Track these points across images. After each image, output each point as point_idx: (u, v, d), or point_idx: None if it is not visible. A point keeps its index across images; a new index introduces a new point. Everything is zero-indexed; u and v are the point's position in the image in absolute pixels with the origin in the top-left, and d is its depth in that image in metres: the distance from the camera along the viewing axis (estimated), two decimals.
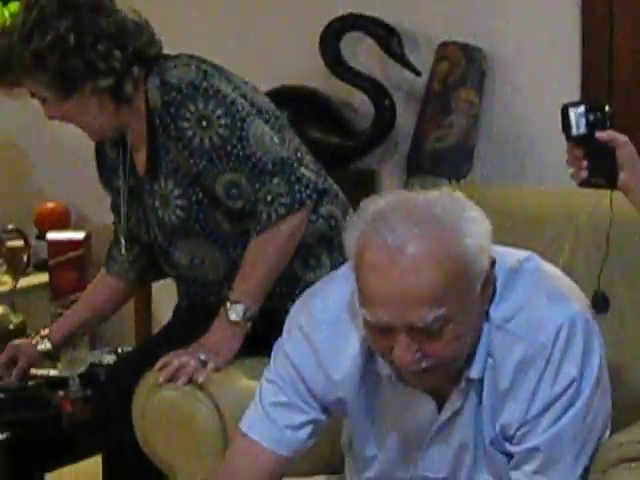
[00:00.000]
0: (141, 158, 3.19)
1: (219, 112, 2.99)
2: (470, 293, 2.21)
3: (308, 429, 2.50)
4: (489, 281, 2.27)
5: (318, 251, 3.08)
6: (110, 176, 3.38)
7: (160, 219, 3.17)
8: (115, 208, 3.43)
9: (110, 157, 3.36)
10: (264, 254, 3.01)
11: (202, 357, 2.96)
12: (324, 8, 4.48)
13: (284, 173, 2.98)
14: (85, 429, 3.44)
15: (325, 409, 2.51)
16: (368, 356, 2.41)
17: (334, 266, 2.34)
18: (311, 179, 3.01)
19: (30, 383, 3.47)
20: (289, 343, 2.50)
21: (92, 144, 4.99)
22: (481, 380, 2.35)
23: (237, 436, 2.55)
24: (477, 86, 4.26)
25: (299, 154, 3.14)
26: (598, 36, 4.21)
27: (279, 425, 2.48)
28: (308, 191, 2.98)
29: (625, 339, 2.76)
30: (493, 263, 2.26)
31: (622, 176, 2.32)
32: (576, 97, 4.02)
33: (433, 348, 2.20)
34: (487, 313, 2.32)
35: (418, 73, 4.36)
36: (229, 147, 3.00)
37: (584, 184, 2.36)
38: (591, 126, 2.31)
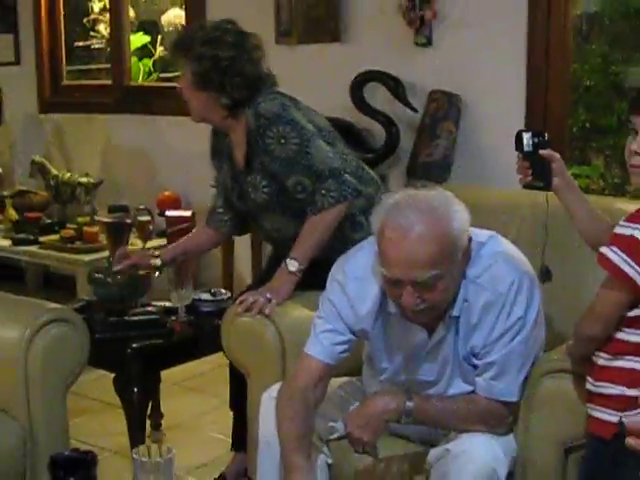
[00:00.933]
0: (239, 155, 3.16)
1: (293, 134, 2.98)
2: (455, 259, 2.24)
3: (345, 346, 2.52)
4: (467, 251, 2.30)
5: (360, 219, 3.04)
6: (218, 157, 3.34)
7: (253, 199, 3.15)
8: (218, 182, 3.40)
9: (220, 143, 3.30)
10: (315, 229, 3.00)
11: (268, 296, 2.94)
12: (353, 66, 4.45)
13: (334, 177, 2.96)
14: (188, 342, 3.45)
15: (355, 334, 2.52)
16: (382, 300, 2.43)
17: (370, 229, 2.34)
18: (352, 183, 3.01)
19: (153, 310, 3.47)
20: (330, 291, 2.52)
21: (195, 153, 5.00)
22: (458, 317, 2.36)
23: (300, 357, 2.56)
24: (455, 120, 4.22)
25: (346, 159, 3.11)
26: (537, 90, 4.18)
27: (327, 344, 2.50)
28: (349, 190, 2.98)
29: (557, 298, 2.74)
30: (470, 239, 2.30)
31: (555, 181, 2.31)
32: (521, 127, 3.99)
33: (429, 296, 2.24)
34: (465, 272, 2.33)
35: (415, 110, 4.34)
36: (298, 158, 2.98)
37: (528, 186, 2.36)
38: (535, 146, 2.32)
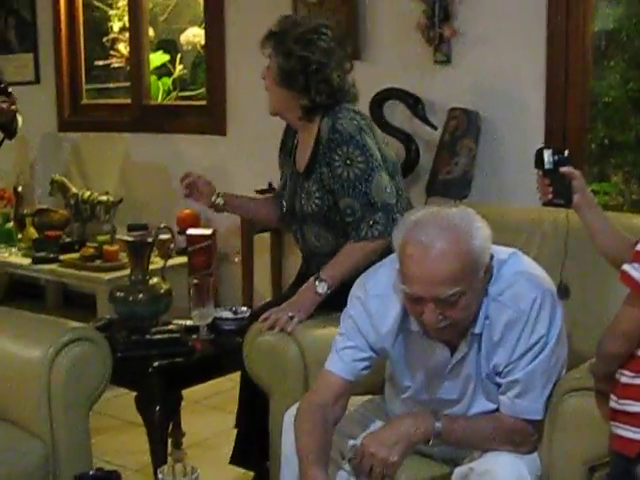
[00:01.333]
0: (302, 157, 3.19)
1: (360, 158, 2.99)
2: (476, 277, 2.24)
3: (366, 362, 2.51)
4: (489, 269, 2.29)
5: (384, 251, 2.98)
6: (284, 151, 3.38)
7: (302, 205, 3.17)
8: (282, 174, 3.42)
9: (289, 139, 3.35)
10: (353, 256, 3.00)
11: (290, 314, 2.95)
12: (373, 84, 4.44)
13: (385, 212, 2.98)
14: (209, 361, 3.45)
15: (376, 352, 2.52)
16: (404, 318, 2.43)
17: None
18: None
19: (175, 329, 3.47)
20: (352, 309, 2.52)
21: (214, 171, 5.01)
22: (480, 334, 2.35)
23: (321, 373, 2.56)
24: (475, 137, 4.23)
25: (401, 195, 3.12)
26: (556, 107, 4.18)
27: (347, 360, 2.50)
28: None
29: (577, 316, 2.74)
30: (492, 257, 2.29)
31: (576, 198, 2.31)
32: (540, 144, 3.99)
33: (450, 313, 2.23)
34: (487, 290, 2.32)
35: (435, 128, 4.35)
36: (357, 183, 2.99)
37: (549, 204, 2.37)
38: (556, 163, 2.32)
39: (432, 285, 2.20)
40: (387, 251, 2.98)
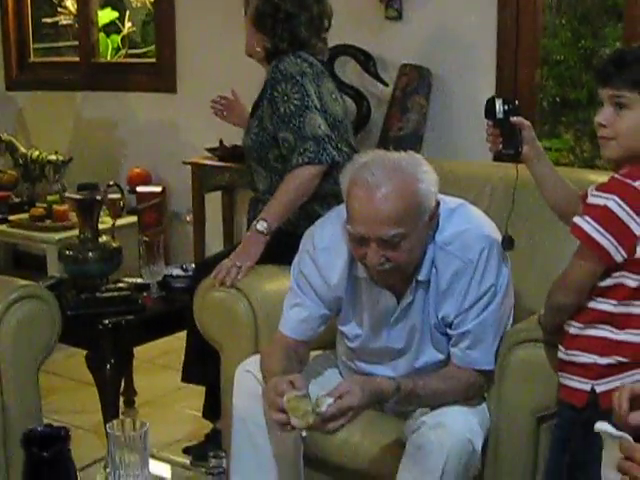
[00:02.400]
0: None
1: (296, 95, 3.08)
2: (420, 220, 2.26)
3: (317, 321, 2.53)
4: (434, 215, 2.31)
5: (330, 201, 3.03)
6: None
7: (244, 140, 3.30)
8: None
9: None
10: (286, 187, 3.05)
11: (238, 264, 2.95)
12: None
13: (317, 142, 3.03)
14: (160, 318, 3.44)
15: (329, 307, 2.53)
16: (351, 266, 2.44)
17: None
18: (333, 154, 3.04)
19: (125, 286, 3.46)
20: (301, 262, 2.53)
21: (164, 129, 4.98)
22: (427, 282, 2.37)
23: (276, 332, 2.58)
24: (426, 94, 4.21)
25: (338, 147, 3.14)
26: (507, 64, 4.18)
27: (296, 320, 2.52)
28: (327, 157, 3.03)
29: (524, 269, 2.76)
30: (438, 203, 2.32)
31: (525, 149, 2.31)
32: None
33: (393, 255, 2.25)
34: (434, 238, 2.34)
35: (386, 84, 4.33)
36: (292, 118, 3.07)
37: (498, 154, 2.37)
38: (506, 113, 2.31)
39: (375, 225, 2.22)
40: (327, 197, 3.07)
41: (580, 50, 6.11)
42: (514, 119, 2.31)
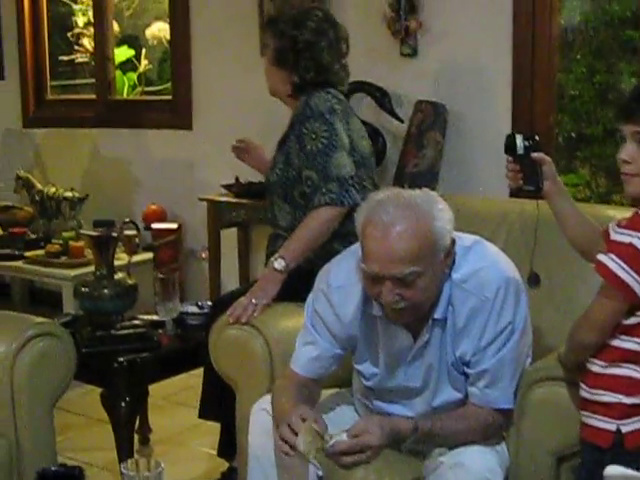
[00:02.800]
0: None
1: (325, 134, 3.08)
2: (435, 259, 2.23)
3: (329, 360, 2.52)
4: (450, 253, 2.28)
5: (352, 239, 3.01)
6: None
7: (269, 175, 3.29)
8: None
9: None
10: (306, 226, 3.04)
11: (254, 301, 2.93)
12: None
13: (341, 184, 3.03)
14: (175, 356, 3.42)
15: (342, 346, 2.50)
16: (366, 303, 2.41)
17: None
18: (355, 196, 3.03)
19: (140, 323, 3.44)
20: (315, 301, 2.51)
21: (180, 166, 5.00)
22: (443, 320, 2.34)
23: (286, 368, 2.57)
24: (442, 130, 4.21)
25: (364, 186, 3.16)
26: (523, 99, 4.18)
27: (308, 358, 2.51)
28: (349, 200, 3.02)
29: (545, 306, 2.75)
30: (453, 241, 2.29)
31: (546, 185, 2.29)
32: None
33: (408, 294, 2.23)
34: (450, 276, 2.31)
35: (402, 121, 4.33)
36: (318, 156, 3.07)
37: (519, 190, 2.34)
38: (527, 149, 2.29)
39: (390, 263, 2.20)
40: (348, 236, 2.98)
41: (595, 85, 6.09)
42: (535, 155, 2.29)
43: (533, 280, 2.39)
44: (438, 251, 2.24)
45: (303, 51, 3.20)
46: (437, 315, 2.34)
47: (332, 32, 3.26)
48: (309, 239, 3.02)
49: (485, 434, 2.36)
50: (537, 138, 2.32)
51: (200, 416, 3.41)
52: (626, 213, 2.19)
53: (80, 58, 6.27)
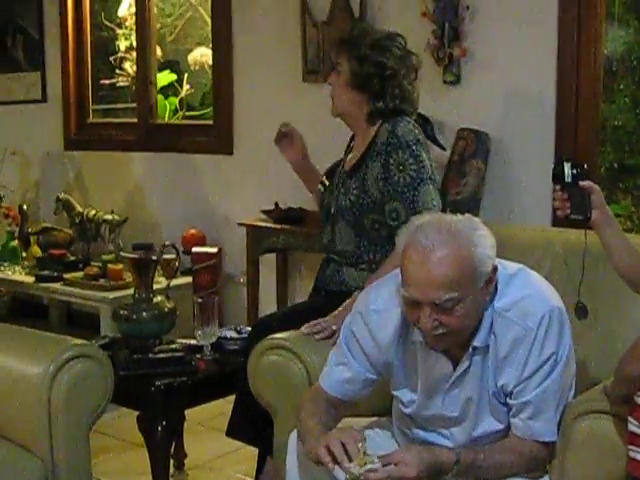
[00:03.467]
0: (352, 159, 3.28)
1: (413, 167, 3.07)
2: (476, 285, 2.20)
3: (360, 384, 2.51)
4: (491, 280, 2.25)
5: None
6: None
7: (338, 201, 3.25)
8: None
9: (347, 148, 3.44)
10: (394, 264, 2.95)
11: (334, 327, 2.92)
12: None
13: None
14: (213, 381, 3.40)
15: (377, 371, 2.48)
16: (405, 330, 2.40)
17: None
18: None
19: (178, 347, 3.43)
20: (353, 322, 2.50)
21: (219, 191, 5.00)
22: (485, 349, 2.31)
23: (316, 384, 2.56)
24: (484, 158, 4.19)
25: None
26: (566, 129, 4.14)
27: (338, 379, 2.50)
28: None
29: (591, 338, 2.72)
30: (495, 268, 2.26)
31: (594, 214, 2.25)
32: (550, 166, 3.97)
33: (447, 320, 2.20)
34: (492, 303, 2.29)
35: (444, 149, 4.29)
36: (406, 189, 3.06)
37: (566, 219, 2.30)
38: (574, 177, 2.26)
39: (429, 289, 2.17)
40: None
41: (638, 116, 6.04)
42: (583, 183, 2.25)
43: (581, 312, 2.35)
44: (478, 278, 2.21)
45: (390, 79, 3.19)
46: (477, 343, 2.31)
47: (409, 60, 3.27)
48: None
49: (528, 467, 2.32)
50: (585, 166, 2.29)
51: (227, 434, 3.38)
52: None
53: (121, 82, 6.32)
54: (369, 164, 3.16)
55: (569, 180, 2.26)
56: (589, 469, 2.27)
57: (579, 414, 2.29)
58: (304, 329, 2.96)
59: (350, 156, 3.32)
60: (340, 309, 2.99)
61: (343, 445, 2.18)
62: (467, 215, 2.32)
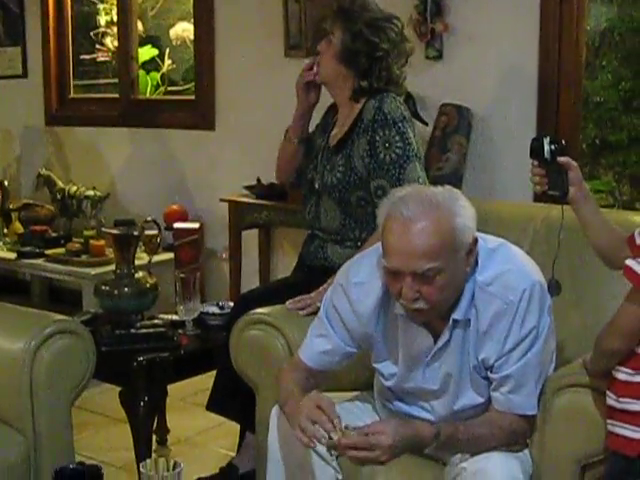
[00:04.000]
0: (336, 134, 3.25)
1: (399, 144, 3.06)
2: (456, 256, 2.22)
3: (339, 356, 2.53)
4: (472, 251, 2.26)
5: None
6: (320, 132, 3.40)
7: (323, 177, 3.22)
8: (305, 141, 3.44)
9: (328, 120, 3.39)
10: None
11: (319, 304, 2.88)
12: None
13: None
14: (195, 356, 3.40)
15: (357, 344, 2.51)
16: (387, 302, 2.42)
17: None
18: None
19: (160, 323, 3.43)
20: (334, 295, 2.52)
21: (202, 166, 4.99)
22: (465, 322, 2.33)
23: (294, 356, 2.60)
24: (466, 133, 4.20)
25: None
26: (548, 105, 4.15)
27: (318, 351, 2.52)
28: None
29: (568, 313, 2.72)
30: (475, 240, 2.27)
31: (572, 191, 2.25)
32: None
33: (427, 291, 2.21)
34: (474, 278, 2.30)
35: (426, 124, 4.30)
36: (391, 167, 3.05)
37: (544, 195, 2.30)
38: (553, 153, 2.25)
39: (410, 258, 2.19)
40: None
41: (620, 92, 6.05)
42: (562, 159, 2.25)
43: (554, 288, 2.35)
44: (459, 248, 2.22)
45: (380, 60, 3.16)
46: (457, 316, 2.32)
47: (403, 45, 3.24)
48: None
49: (508, 440, 2.33)
50: (564, 142, 2.28)
51: (207, 408, 3.40)
52: None
53: (102, 57, 6.28)
54: (355, 140, 3.15)
55: (547, 156, 2.25)
56: (569, 442, 2.28)
57: (558, 388, 2.31)
58: (288, 305, 2.96)
59: (335, 132, 3.30)
60: (325, 286, 2.99)
61: (320, 408, 2.21)
62: (447, 187, 2.33)
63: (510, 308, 2.28)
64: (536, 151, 2.27)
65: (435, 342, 2.38)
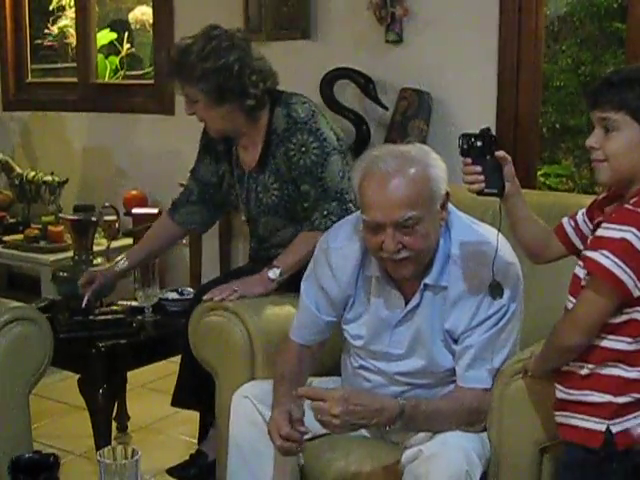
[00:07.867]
0: (250, 157, 3.15)
1: (315, 144, 3.00)
2: (432, 206, 2.31)
3: (321, 328, 2.61)
4: (445, 204, 2.36)
5: None
6: (211, 156, 3.32)
7: (259, 199, 3.15)
8: (197, 177, 3.38)
9: (219, 150, 3.28)
10: (306, 244, 2.93)
11: (234, 288, 2.92)
12: (323, 63, 4.46)
13: (340, 202, 2.98)
14: (154, 342, 3.39)
15: (338, 313, 2.57)
16: (363, 265, 2.48)
17: None
18: (354, 212, 2.89)
19: (119, 309, 3.41)
20: (316, 264, 2.61)
21: (161, 151, 4.97)
22: (436, 288, 2.39)
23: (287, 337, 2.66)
24: (426, 118, 4.20)
25: (349, 178, 2.99)
26: (508, 89, 4.15)
27: (301, 326, 2.63)
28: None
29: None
30: (447, 194, 2.35)
31: (508, 187, 2.13)
32: (492, 125, 3.98)
33: (408, 240, 2.28)
34: (449, 247, 2.38)
35: (386, 108, 4.31)
36: (313, 169, 3.00)
37: (480, 194, 2.14)
38: (491, 148, 2.11)
39: (390, 209, 2.26)
40: None
41: (580, 76, 6.10)
42: (499, 154, 2.13)
43: (494, 290, 2.32)
44: (435, 198, 2.30)
45: (241, 72, 3.00)
46: (428, 280, 2.38)
47: (238, 40, 3.05)
48: (306, 256, 2.84)
49: (469, 418, 2.35)
50: (495, 136, 2.16)
51: (172, 404, 3.39)
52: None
53: (48, 41, 6.22)
54: (276, 154, 3.07)
55: (486, 152, 2.11)
56: (526, 425, 2.29)
57: (515, 372, 2.31)
58: (206, 297, 2.93)
59: (244, 155, 3.19)
60: (243, 280, 2.99)
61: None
62: (418, 144, 2.43)
63: (483, 286, 2.33)
64: (468, 149, 2.13)
65: (406, 305, 2.43)
